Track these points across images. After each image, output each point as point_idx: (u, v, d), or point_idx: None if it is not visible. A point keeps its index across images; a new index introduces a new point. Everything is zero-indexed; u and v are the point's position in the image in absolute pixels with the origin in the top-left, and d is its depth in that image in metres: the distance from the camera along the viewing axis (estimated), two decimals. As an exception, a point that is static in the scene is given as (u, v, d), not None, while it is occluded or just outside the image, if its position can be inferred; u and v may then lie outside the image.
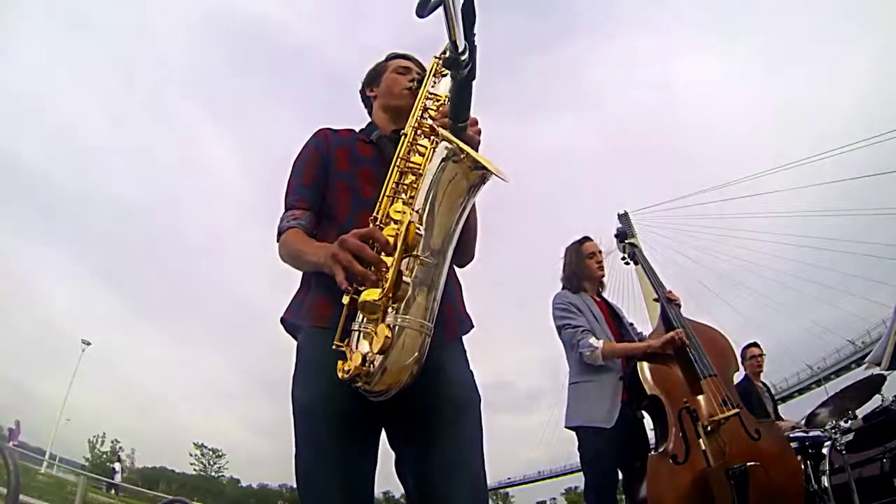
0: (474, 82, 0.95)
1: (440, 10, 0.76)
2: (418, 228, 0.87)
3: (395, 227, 0.92)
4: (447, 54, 0.88)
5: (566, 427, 2.31)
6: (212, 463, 35.28)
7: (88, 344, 25.78)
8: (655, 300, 2.59)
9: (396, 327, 0.86)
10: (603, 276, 2.61)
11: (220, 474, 35.84)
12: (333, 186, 1.17)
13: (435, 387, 0.99)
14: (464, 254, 1.23)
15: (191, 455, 34.75)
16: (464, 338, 1.17)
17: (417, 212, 0.91)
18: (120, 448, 29.75)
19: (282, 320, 1.13)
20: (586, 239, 2.64)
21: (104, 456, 27.56)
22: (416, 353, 0.87)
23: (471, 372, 1.13)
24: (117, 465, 17.73)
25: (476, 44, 0.87)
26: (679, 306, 2.44)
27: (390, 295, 0.84)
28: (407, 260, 0.87)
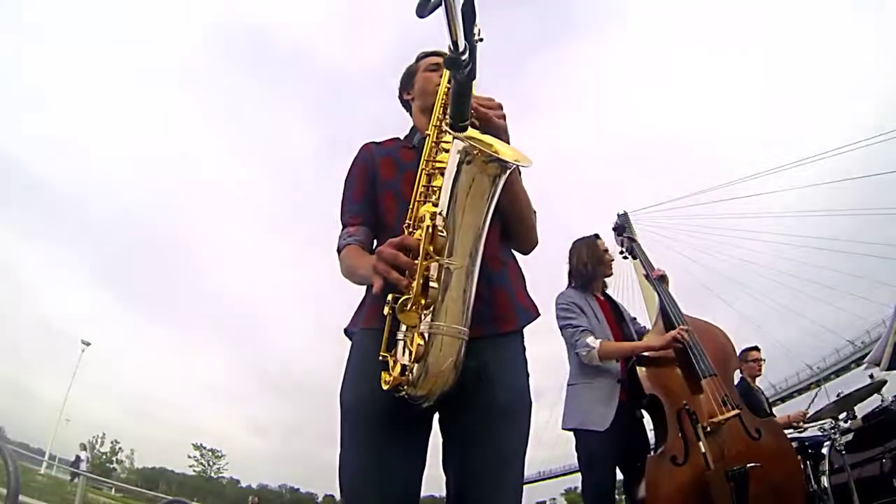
0: (475, 82, 0.95)
1: (440, 9, 0.76)
2: (441, 232, 0.86)
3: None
4: (448, 53, 0.88)
5: (562, 429, 2.31)
6: (212, 463, 35.34)
7: (88, 344, 25.84)
8: (646, 275, 2.66)
9: (428, 335, 0.86)
10: (611, 275, 2.60)
11: (220, 475, 35.89)
12: (380, 196, 1.20)
13: (479, 393, 0.99)
14: (524, 241, 1.22)
15: (190, 456, 34.83)
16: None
17: (440, 214, 0.90)
18: (119, 448, 29.75)
19: (344, 331, 1.16)
20: (598, 236, 2.63)
21: (104, 456, 27.58)
22: (452, 359, 0.88)
23: (524, 373, 1.10)
24: (83, 454, 15.25)
25: (476, 43, 0.87)
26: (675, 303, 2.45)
27: (420, 302, 0.85)
28: (435, 265, 0.86)
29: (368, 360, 0.96)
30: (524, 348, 1.13)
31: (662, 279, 2.62)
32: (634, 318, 2.66)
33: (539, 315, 1.16)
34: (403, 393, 0.89)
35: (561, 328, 2.39)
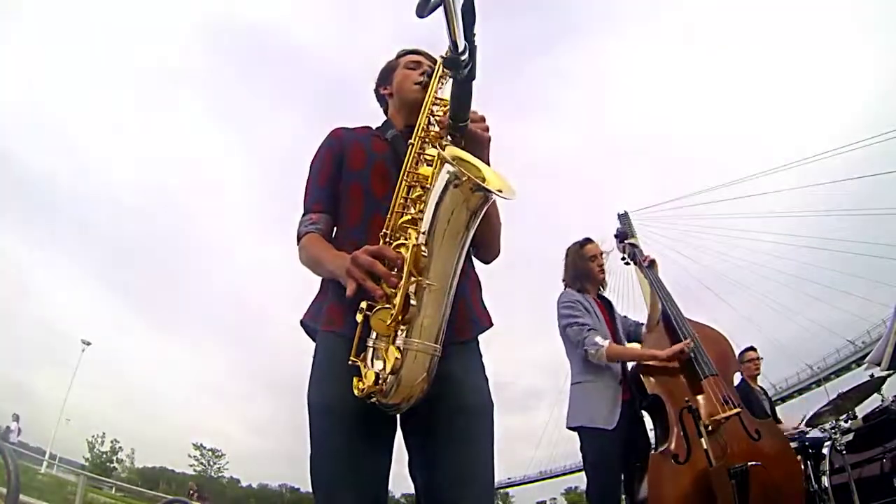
0: (474, 82, 0.95)
1: (440, 10, 0.76)
2: (424, 253, 0.88)
3: (405, 241, 0.94)
4: (448, 55, 0.88)
5: (568, 427, 2.31)
6: (212, 463, 35.30)
7: (88, 344, 25.79)
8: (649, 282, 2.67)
9: (405, 350, 0.88)
10: (604, 278, 2.61)
11: (220, 474, 35.86)
12: (346, 188, 1.17)
13: (446, 395, 1.01)
14: (487, 249, 1.23)
15: (190, 455, 34.80)
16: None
17: (423, 233, 0.92)
18: (119, 448, 29.71)
19: (301, 323, 1.16)
20: (588, 241, 2.62)
21: (104, 456, 27.58)
22: (425, 374, 0.91)
23: (485, 377, 1.12)
24: (13, 424, 13.20)
25: (476, 44, 0.87)
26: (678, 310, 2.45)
27: (399, 318, 0.87)
28: (414, 283, 0.88)
29: (336, 363, 0.97)
30: (481, 354, 1.15)
31: (652, 264, 2.67)
32: (625, 316, 2.68)
33: (491, 325, 1.17)
34: (375, 400, 0.91)
35: (565, 327, 2.38)
